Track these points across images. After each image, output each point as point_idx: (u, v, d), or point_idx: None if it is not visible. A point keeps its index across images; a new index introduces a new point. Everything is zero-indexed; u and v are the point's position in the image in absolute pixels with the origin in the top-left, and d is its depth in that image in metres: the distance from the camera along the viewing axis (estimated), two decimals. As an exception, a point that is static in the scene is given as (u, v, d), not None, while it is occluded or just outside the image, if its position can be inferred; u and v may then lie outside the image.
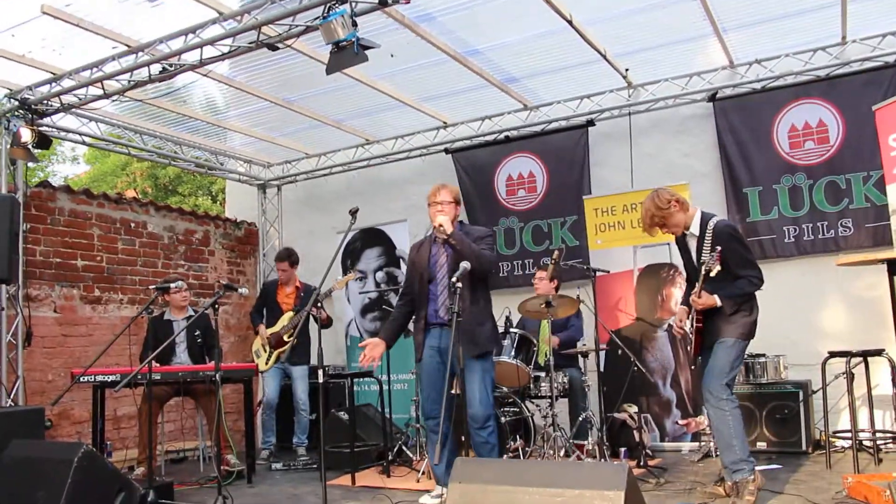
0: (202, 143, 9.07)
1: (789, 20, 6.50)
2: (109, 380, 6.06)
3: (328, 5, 5.07)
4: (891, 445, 6.20)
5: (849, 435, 5.80)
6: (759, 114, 7.22)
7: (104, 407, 6.37)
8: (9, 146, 6.86)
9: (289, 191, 10.28)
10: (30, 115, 6.81)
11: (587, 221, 7.65)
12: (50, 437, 6.91)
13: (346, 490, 5.84)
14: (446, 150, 8.79)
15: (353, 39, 5.04)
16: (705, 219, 4.82)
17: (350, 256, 9.01)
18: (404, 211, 9.09)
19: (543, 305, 5.98)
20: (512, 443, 6.03)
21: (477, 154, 8.65)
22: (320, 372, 4.74)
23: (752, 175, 7.22)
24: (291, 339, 7.25)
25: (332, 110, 8.19)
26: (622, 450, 6.26)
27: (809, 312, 6.98)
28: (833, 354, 5.83)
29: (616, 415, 6.51)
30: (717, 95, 7.37)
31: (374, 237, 8.94)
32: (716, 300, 4.68)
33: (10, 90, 6.82)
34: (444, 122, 8.62)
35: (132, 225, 8.52)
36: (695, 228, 4.84)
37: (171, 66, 6.11)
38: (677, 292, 6.87)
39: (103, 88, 6.52)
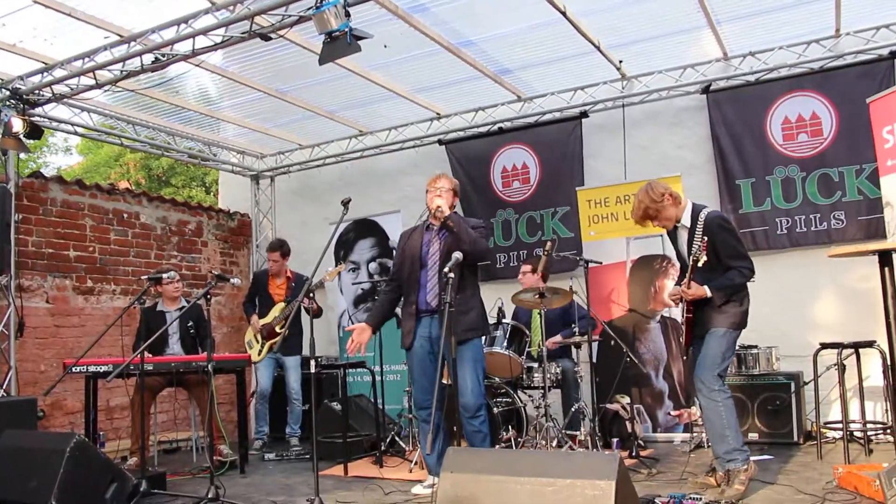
0: (195, 134, 9.04)
1: (783, 12, 6.50)
2: (102, 370, 6.04)
3: (321, -5, 5.05)
4: (881, 436, 6.23)
5: (840, 426, 5.82)
6: (753, 106, 7.22)
7: (97, 397, 6.38)
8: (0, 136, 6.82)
9: (282, 182, 10.26)
10: (21, 105, 6.77)
11: (580, 213, 7.65)
12: (42, 428, 6.92)
13: (338, 480, 5.85)
14: (440, 142, 8.78)
15: (346, 30, 5.04)
16: (696, 210, 4.83)
17: (343, 247, 9.00)
18: (398, 202, 9.09)
19: (537, 296, 5.99)
20: (504, 433, 6.03)
21: (470, 145, 8.65)
22: (312, 363, 4.73)
23: (745, 167, 7.23)
24: (283, 329, 7.25)
25: (326, 101, 8.16)
26: (614, 440, 6.28)
27: (801, 304, 7.00)
28: (825, 346, 5.86)
29: (608, 405, 6.53)
30: (711, 87, 7.38)
31: (367, 228, 8.93)
32: (706, 291, 4.69)
33: (2, 80, 6.78)
34: (438, 114, 8.61)
35: (125, 216, 8.50)
36: (686, 220, 4.84)
37: (163, 56, 6.09)
38: (670, 284, 6.88)
39: (95, 78, 6.49)
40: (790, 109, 7.07)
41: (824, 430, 6.12)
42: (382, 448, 6.46)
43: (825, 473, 5.06)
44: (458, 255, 4.71)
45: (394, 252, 8.50)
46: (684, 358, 6.74)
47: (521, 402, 6.29)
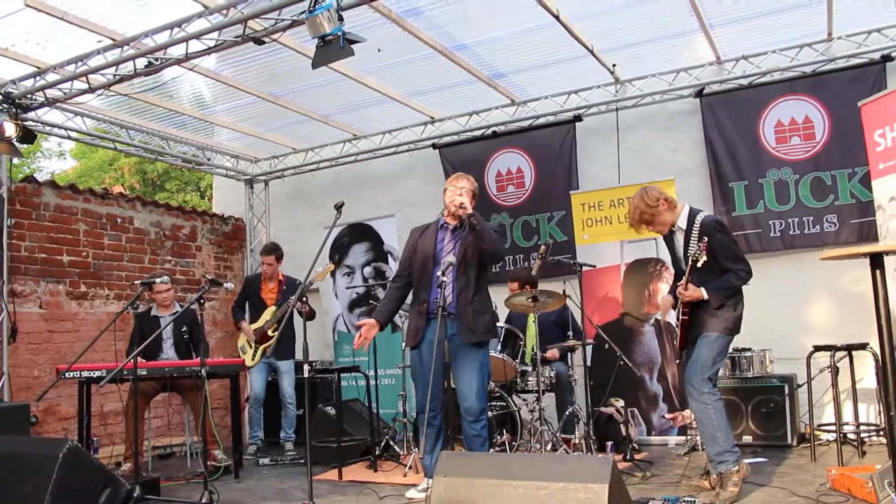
0: (189, 139, 9.03)
1: (776, 16, 6.53)
2: (95, 376, 6.03)
3: (314, -1, 5.05)
4: (874, 438, 6.25)
5: (833, 428, 5.84)
6: (746, 109, 7.24)
7: (90, 403, 6.36)
8: (-8, 141, 6.81)
9: (276, 186, 10.26)
10: (14, 110, 6.75)
11: (574, 216, 7.67)
12: (36, 434, 6.91)
13: (333, 484, 5.84)
14: (434, 146, 8.78)
15: (339, 34, 5.03)
16: (693, 214, 4.85)
17: (338, 252, 9.00)
18: (392, 206, 9.09)
19: (530, 300, 5.99)
20: (498, 437, 6.04)
21: (464, 149, 8.65)
22: (305, 367, 4.73)
23: (738, 169, 7.25)
24: (276, 333, 7.23)
25: (319, 105, 8.17)
26: (609, 444, 6.27)
27: (795, 307, 7.02)
28: (818, 348, 5.89)
29: (603, 409, 6.53)
30: (704, 91, 7.40)
31: (361, 232, 8.92)
32: (703, 293, 4.71)
33: (-6, 84, 6.78)
34: (432, 118, 8.61)
35: (118, 220, 8.48)
36: (682, 223, 4.86)
37: (156, 60, 6.07)
38: (664, 287, 6.90)
39: (88, 83, 6.48)
40: (783, 113, 7.09)
41: (818, 433, 6.14)
42: (377, 452, 6.45)
43: (819, 475, 5.07)
44: (451, 259, 4.74)
45: (388, 256, 8.54)
46: (678, 361, 6.75)
47: (516, 405, 6.29)
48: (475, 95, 7.99)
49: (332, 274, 8.04)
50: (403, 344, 7.08)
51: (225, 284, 5.83)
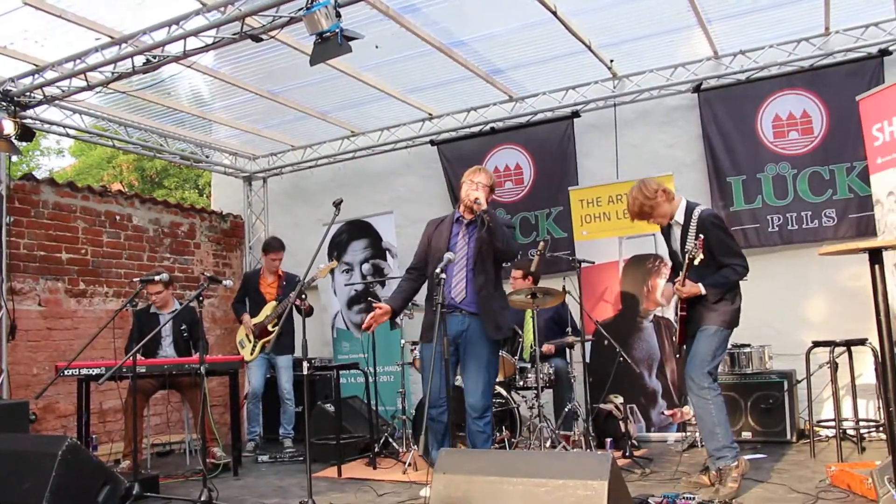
0: (187, 136, 9.03)
1: (773, 11, 6.52)
2: (94, 373, 6.03)
3: (311, -4, 5.04)
4: (874, 434, 6.25)
5: (833, 424, 5.85)
6: (744, 104, 7.24)
7: (89, 400, 6.36)
8: (-9, 138, 6.80)
9: (274, 183, 10.25)
10: (12, 107, 6.74)
11: (572, 212, 7.66)
12: (35, 431, 6.90)
13: (332, 482, 5.84)
14: (432, 142, 8.77)
15: (337, 30, 5.03)
16: (690, 208, 4.86)
17: (336, 248, 8.99)
18: (390, 203, 9.09)
19: (529, 296, 5.99)
20: (498, 434, 6.04)
21: (462, 146, 8.64)
22: (305, 364, 4.73)
23: (735, 164, 7.25)
24: (276, 328, 7.24)
25: (317, 102, 8.16)
26: (608, 440, 6.27)
27: (794, 302, 7.03)
28: (817, 344, 5.89)
29: (602, 405, 6.53)
30: (702, 86, 7.39)
31: (360, 229, 8.92)
32: (700, 289, 4.71)
33: (-8, 82, 6.77)
34: (430, 114, 8.60)
35: (117, 218, 8.47)
36: (679, 217, 4.87)
37: (154, 57, 6.07)
38: (663, 283, 6.89)
39: (87, 80, 6.47)
40: (781, 107, 7.09)
41: (817, 429, 6.15)
42: (376, 450, 6.46)
43: (818, 472, 5.07)
44: (449, 255, 4.74)
45: (387, 253, 8.54)
46: (678, 356, 6.75)
47: (515, 402, 6.30)
48: (473, 92, 7.98)
49: (331, 271, 8.03)
50: (402, 341, 7.08)
51: (224, 282, 5.84)
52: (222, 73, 7.19)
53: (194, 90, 7.72)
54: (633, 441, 6.24)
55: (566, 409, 6.43)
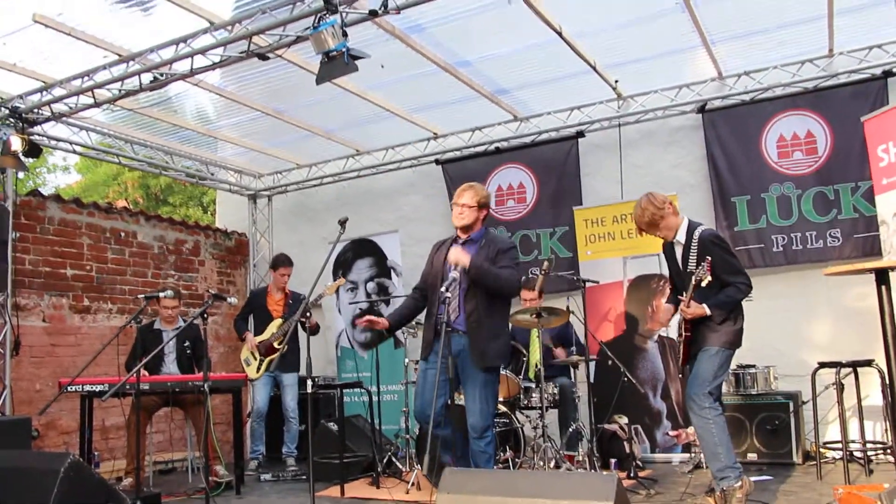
0: (193, 153, 9.06)
1: (777, 33, 6.55)
2: (97, 389, 6.02)
3: (318, 16, 5.07)
4: (881, 456, 6.21)
5: (839, 446, 5.80)
6: (748, 124, 7.25)
7: (92, 417, 6.34)
8: (-1, 154, 6.83)
9: (279, 201, 10.28)
10: (20, 124, 6.78)
11: (577, 232, 7.67)
12: (37, 448, 6.88)
13: (335, 501, 5.82)
14: (437, 161, 8.79)
15: (343, 50, 5.05)
16: (692, 227, 4.88)
17: (341, 267, 9.00)
18: (395, 222, 9.10)
19: (534, 316, 5.98)
20: (502, 453, 6.01)
21: (467, 165, 8.65)
22: (309, 382, 4.71)
23: (740, 184, 7.25)
24: (282, 346, 7.23)
25: (323, 121, 8.19)
26: (612, 461, 6.25)
27: (799, 323, 7.01)
28: (823, 365, 5.86)
29: (606, 426, 6.50)
30: (707, 107, 7.41)
31: (365, 248, 8.92)
32: (705, 309, 4.70)
33: (1, 99, 6.80)
34: (435, 133, 8.63)
35: (122, 234, 8.49)
36: (681, 236, 4.89)
37: (161, 75, 6.12)
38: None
39: (94, 97, 6.51)
40: (785, 128, 7.10)
41: (824, 451, 6.10)
42: (379, 469, 6.42)
43: (825, 494, 5.04)
44: (454, 274, 4.73)
45: (391, 272, 8.55)
46: (680, 376, 6.73)
47: (519, 422, 6.27)
48: (478, 111, 8.00)
49: (337, 289, 8.03)
50: (406, 360, 7.06)
51: (228, 299, 5.83)
52: (228, 91, 7.22)
53: (200, 108, 7.76)
54: (638, 462, 6.20)
55: (570, 430, 6.40)
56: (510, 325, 6.38)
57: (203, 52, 5.81)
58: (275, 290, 7.76)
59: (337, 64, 5.14)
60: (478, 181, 8.30)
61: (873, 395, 6.12)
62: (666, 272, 6.90)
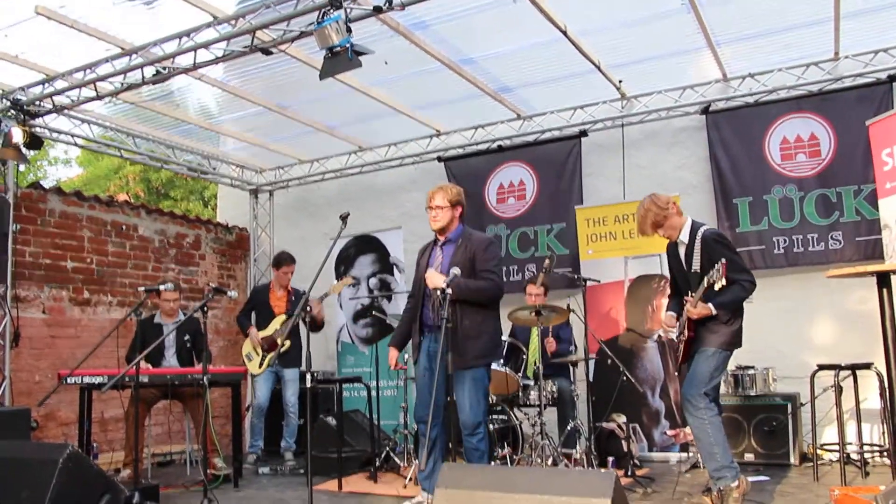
0: (195, 147, 9.06)
1: (783, 35, 6.54)
2: (97, 381, 6.02)
3: (323, 11, 5.08)
4: (878, 459, 6.21)
5: (836, 448, 5.81)
6: (752, 126, 7.24)
7: (91, 409, 6.34)
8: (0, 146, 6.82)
9: (281, 196, 10.28)
10: (22, 116, 6.77)
11: (578, 231, 7.67)
12: (36, 439, 6.87)
13: (332, 495, 5.82)
14: (439, 159, 8.79)
15: (347, 45, 5.05)
16: (695, 227, 4.89)
17: (344, 263, 9.02)
18: (398, 218, 9.10)
19: (533, 314, 5.98)
20: (500, 450, 6.01)
21: (469, 163, 8.65)
22: (308, 377, 4.72)
23: (742, 186, 7.25)
24: (285, 341, 7.24)
25: (325, 116, 8.19)
26: (610, 459, 6.25)
27: (799, 325, 7.01)
28: (822, 367, 5.86)
29: (604, 424, 6.50)
30: (710, 108, 7.40)
31: (367, 244, 8.93)
32: (711, 309, 4.71)
33: (3, 91, 6.80)
34: (438, 131, 8.63)
35: (123, 227, 8.49)
36: (684, 236, 4.90)
37: (164, 69, 6.10)
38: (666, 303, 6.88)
39: (96, 90, 6.50)
40: (789, 130, 7.09)
41: (821, 452, 6.12)
42: (377, 464, 6.43)
43: (821, 495, 5.05)
44: (455, 270, 4.72)
45: (394, 268, 8.56)
46: (677, 374, 6.74)
47: (518, 419, 6.28)
48: (481, 109, 7.99)
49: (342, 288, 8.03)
50: (406, 356, 7.06)
51: (229, 293, 5.83)
52: (231, 85, 7.22)
53: (203, 102, 7.75)
54: (636, 460, 6.21)
55: (569, 428, 6.40)
56: (511, 323, 6.43)
57: (206, 46, 5.80)
58: (277, 286, 7.75)
59: (340, 59, 5.14)
60: (480, 179, 8.41)
61: (871, 398, 6.12)
62: (667, 272, 6.95)
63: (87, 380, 6.07)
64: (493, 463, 5.67)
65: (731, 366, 6.32)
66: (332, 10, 5.03)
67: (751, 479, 5.43)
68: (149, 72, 6.15)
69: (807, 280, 6.91)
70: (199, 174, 9.63)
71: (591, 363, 6.53)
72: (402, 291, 8.33)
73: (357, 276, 8.84)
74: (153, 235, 8.88)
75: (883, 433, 6.09)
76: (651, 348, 7.14)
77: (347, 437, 6.85)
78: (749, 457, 6.41)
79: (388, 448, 6.82)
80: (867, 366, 5.73)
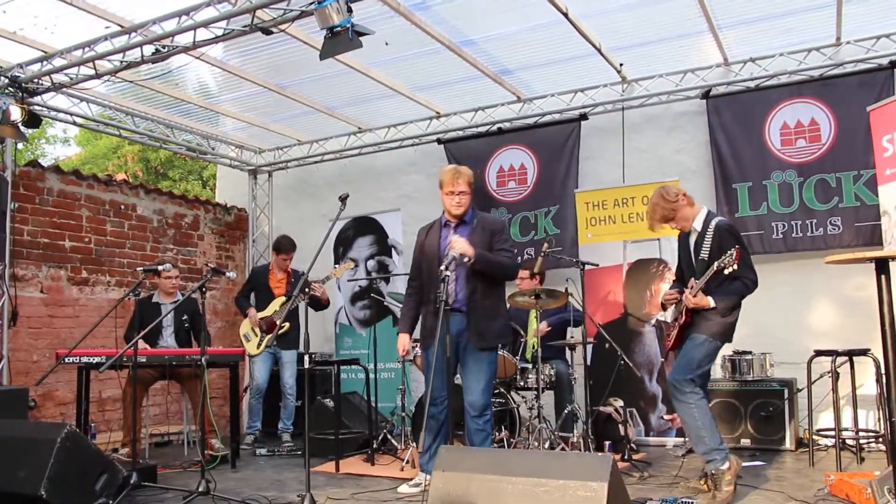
0: (194, 127, 9.02)
1: (784, 20, 6.51)
2: (94, 361, 6.01)
3: (323, -10, 5.04)
4: (873, 444, 6.24)
5: (832, 433, 5.83)
6: (752, 111, 7.22)
7: (89, 389, 6.36)
8: (-2, 124, 6.79)
9: (280, 177, 10.25)
10: (20, 94, 6.73)
11: (578, 215, 7.66)
12: (34, 418, 6.90)
13: (329, 477, 5.84)
14: (439, 141, 8.76)
15: (348, 25, 5.02)
16: (710, 217, 4.89)
17: (342, 244, 9.01)
18: (396, 200, 9.09)
19: (532, 297, 5.98)
20: (497, 433, 6.03)
21: (469, 145, 8.63)
22: (306, 358, 4.73)
23: (742, 171, 7.23)
24: (284, 323, 7.24)
25: (325, 97, 8.15)
26: (607, 443, 6.27)
27: (797, 310, 7.02)
28: (819, 353, 5.88)
29: (602, 408, 6.52)
30: (711, 93, 7.38)
31: (366, 225, 8.92)
32: (709, 301, 4.71)
33: (1, 68, 6.75)
34: (437, 113, 8.59)
35: (122, 207, 8.48)
36: (697, 224, 4.90)
37: (163, 47, 6.06)
38: (666, 287, 6.87)
39: (95, 68, 6.46)
40: (789, 115, 7.07)
41: (817, 438, 6.13)
42: (374, 446, 6.45)
43: (817, 480, 5.06)
44: (453, 253, 4.72)
45: (392, 250, 8.53)
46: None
47: (515, 402, 6.29)
48: (481, 91, 7.97)
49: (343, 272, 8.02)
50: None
51: (227, 273, 5.83)
52: (231, 65, 7.18)
53: (202, 82, 7.71)
54: (632, 445, 6.24)
55: (566, 411, 6.42)
56: (508, 305, 6.43)
57: (206, 24, 5.76)
58: (277, 269, 7.75)
59: (341, 40, 5.11)
60: (480, 161, 8.38)
61: (868, 384, 6.15)
62: (666, 257, 6.98)
63: (84, 359, 6.07)
64: (490, 446, 5.69)
65: (728, 350, 6.38)
66: (332, -10, 4.99)
67: (746, 463, 5.48)
68: (148, 50, 6.11)
69: (805, 265, 6.91)
70: (197, 154, 9.60)
71: (589, 347, 6.55)
72: (400, 273, 8.32)
73: (355, 258, 8.83)
74: (152, 215, 8.86)
75: (879, 419, 6.12)
76: (649, 332, 7.15)
77: (345, 419, 6.87)
78: (745, 442, 6.43)
79: (385, 430, 6.84)
80: (864, 352, 5.75)
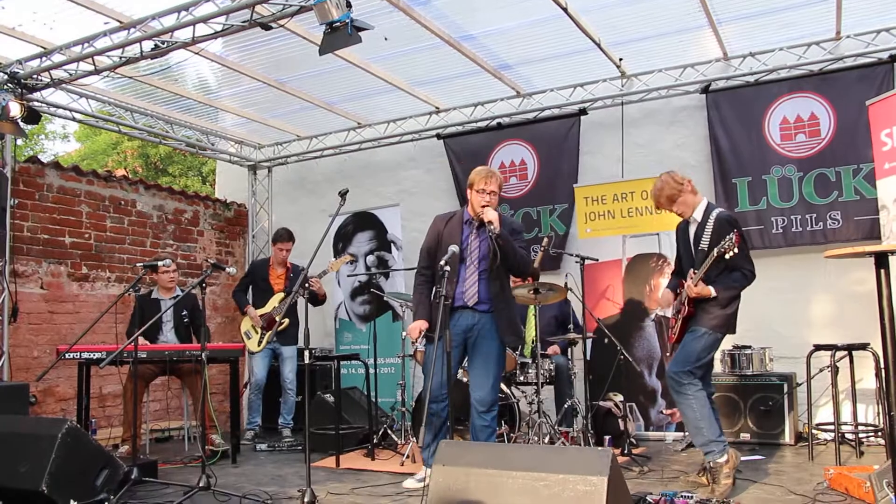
0: (193, 123, 9.01)
1: (784, 14, 6.50)
2: (95, 357, 6.02)
3: (323, -15, 5.03)
4: (872, 439, 6.25)
5: (832, 428, 5.84)
6: (752, 106, 7.22)
7: (89, 384, 6.35)
8: (-3, 120, 6.79)
9: (279, 173, 10.24)
10: (19, 90, 6.73)
11: (577, 210, 7.66)
12: (34, 414, 6.91)
13: (330, 472, 5.85)
14: (438, 136, 8.76)
15: (347, 20, 5.02)
16: (710, 208, 4.93)
17: (342, 240, 9.00)
18: (395, 196, 9.09)
19: (531, 292, 5.98)
20: (497, 428, 6.03)
21: (469, 140, 8.62)
22: (306, 354, 4.73)
23: (741, 165, 7.23)
24: (283, 320, 7.25)
25: (325, 92, 8.14)
26: (607, 438, 6.28)
27: (796, 305, 7.02)
28: (818, 347, 5.89)
29: (601, 403, 6.54)
30: (711, 87, 7.37)
31: (366, 221, 8.92)
32: (710, 291, 4.73)
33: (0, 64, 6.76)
34: (437, 108, 8.59)
35: (121, 203, 8.47)
36: (698, 214, 4.95)
37: (163, 43, 6.05)
38: (665, 282, 6.88)
39: (94, 64, 6.45)
40: (789, 110, 7.07)
41: (816, 432, 6.14)
42: (374, 441, 6.46)
43: (816, 474, 5.07)
44: (454, 248, 4.74)
45: (391, 245, 8.52)
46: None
47: (515, 397, 6.30)
48: (481, 86, 7.96)
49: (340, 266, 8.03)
50: (404, 333, 7.08)
51: (227, 269, 5.83)
52: (230, 60, 7.17)
53: (201, 77, 7.70)
54: (632, 439, 6.24)
55: (566, 406, 6.43)
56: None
57: (205, 20, 5.74)
58: (276, 264, 7.75)
59: (340, 35, 5.11)
60: (480, 157, 8.38)
61: (867, 379, 6.16)
62: (665, 252, 6.97)
63: (85, 355, 6.07)
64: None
65: (728, 345, 6.39)
66: (331, -14, 4.99)
67: (746, 458, 5.49)
68: (147, 46, 6.10)
69: (805, 260, 6.91)
70: (197, 150, 9.60)
71: (589, 342, 6.56)
72: (399, 269, 8.33)
73: (355, 253, 8.84)
74: (151, 211, 8.86)
75: (878, 413, 6.12)
76: (648, 327, 7.16)
77: (345, 414, 6.88)
78: (745, 436, 6.44)
79: (385, 425, 6.85)
80: (863, 346, 5.75)
